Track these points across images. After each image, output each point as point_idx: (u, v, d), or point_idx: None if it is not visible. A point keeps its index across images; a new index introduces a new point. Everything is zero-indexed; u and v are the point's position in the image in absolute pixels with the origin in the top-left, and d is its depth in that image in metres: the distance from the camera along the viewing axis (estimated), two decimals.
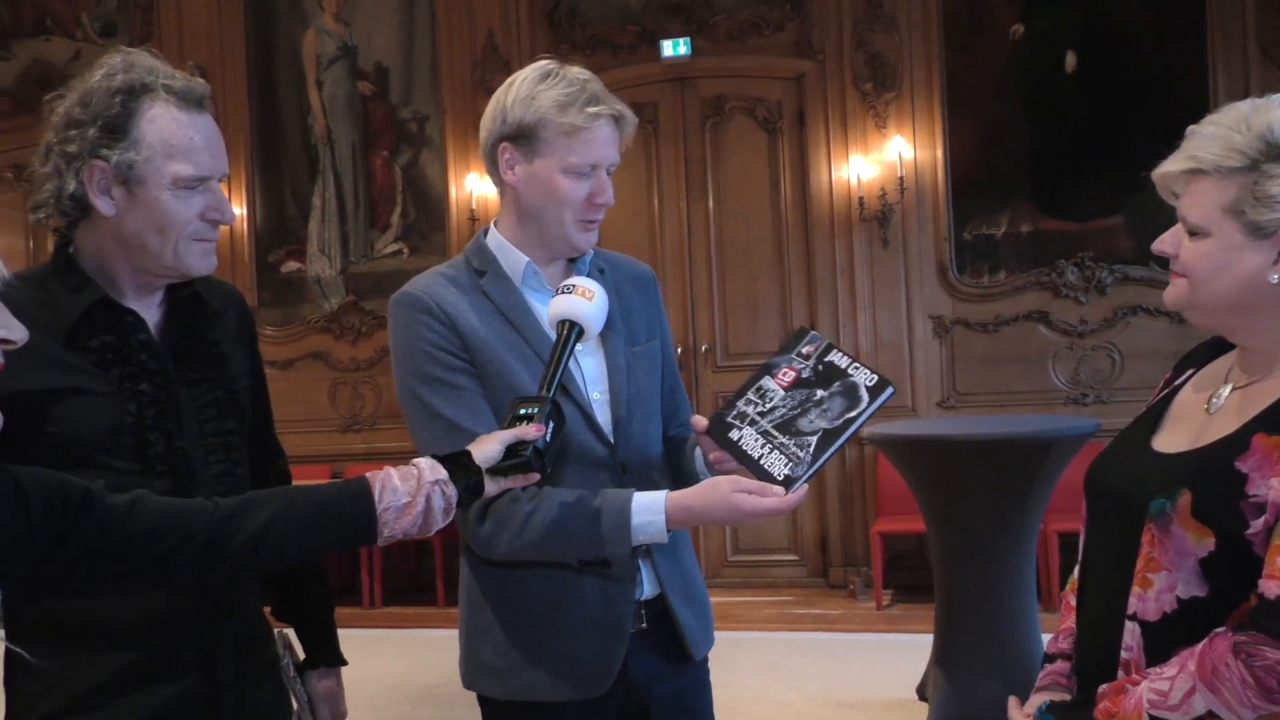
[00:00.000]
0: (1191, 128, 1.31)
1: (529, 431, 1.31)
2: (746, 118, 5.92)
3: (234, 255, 6.41)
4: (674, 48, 5.85)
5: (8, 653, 1.33)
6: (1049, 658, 1.46)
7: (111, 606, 1.28)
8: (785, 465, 1.43)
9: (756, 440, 1.47)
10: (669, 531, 1.50)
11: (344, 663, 1.67)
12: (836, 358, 1.49)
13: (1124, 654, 1.26)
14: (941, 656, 3.59)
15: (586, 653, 1.55)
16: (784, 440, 1.45)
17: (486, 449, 1.30)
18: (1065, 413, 5.33)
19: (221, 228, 1.39)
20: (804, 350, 1.52)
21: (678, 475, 1.67)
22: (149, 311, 1.38)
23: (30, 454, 1.24)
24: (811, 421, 1.44)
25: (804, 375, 1.49)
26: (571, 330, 1.44)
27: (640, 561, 1.58)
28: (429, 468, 1.26)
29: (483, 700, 1.64)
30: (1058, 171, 5.46)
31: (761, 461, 1.45)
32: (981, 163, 5.56)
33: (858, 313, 5.71)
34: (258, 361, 1.58)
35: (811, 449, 1.42)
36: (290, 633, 1.61)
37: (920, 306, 5.67)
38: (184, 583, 1.21)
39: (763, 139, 5.90)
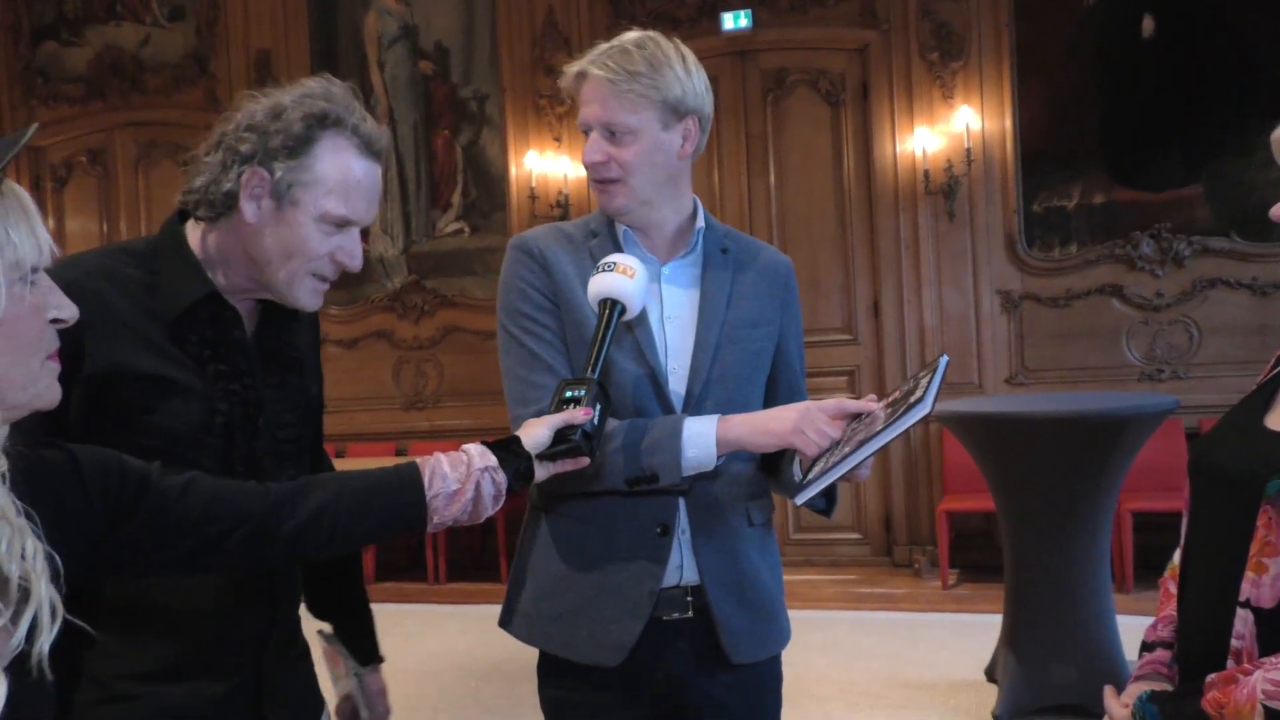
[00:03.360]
0: None
1: (577, 415, 1.30)
2: (809, 90, 5.83)
3: None
4: (734, 20, 5.77)
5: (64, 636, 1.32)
6: (1148, 646, 1.39)
7: (171, 594, 1.28)
8: (817, 470, 1.43)
9: (829, 449, 1.46)
10: (719, 453, 1.48)
11: (383, 659, 1.66)
12: (926, 378, 1.44)
13: (1235, 642, 1.19)
14: (1012, 638, 3.53)
15: (604, 621, 1.55)
16: (839, 449, 1.43)
17: (535, 434, 1.29)
18: (1139, 389, 5.19)
19: None
20: (920, 374, 1.48)
21: (775, 473, 1.63)
22: (244, 308, 1.36)
23: (129, 440, 1.21)
24: (861, 434, 1.42)
25: (898, 396, 1.46)
26: (613, 309, 1.43)
27: (678, 544, 1.56)
28: (479, 454, 1.25)
29: (539, 665, 1.65)
30: (1132, 140, 5.28)
31: (814, 465, 1.45)
32: (1052, 132, 5.41)
33: (923, 288, 5.61)
34: (321, 370, 1.57)
35: (841, 457, 1.40)
36: (329, 628, 1.61)
37: (988, 281, 5.55)
38: (235, 567, 1.20)
39: (825, 112, 5.81)
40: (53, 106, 7.07)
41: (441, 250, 6.41)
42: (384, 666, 1.66)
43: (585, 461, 1.33)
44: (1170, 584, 1.40)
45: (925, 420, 1.39)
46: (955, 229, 5.57)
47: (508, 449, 1.27)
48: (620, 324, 1.47)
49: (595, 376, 1.36)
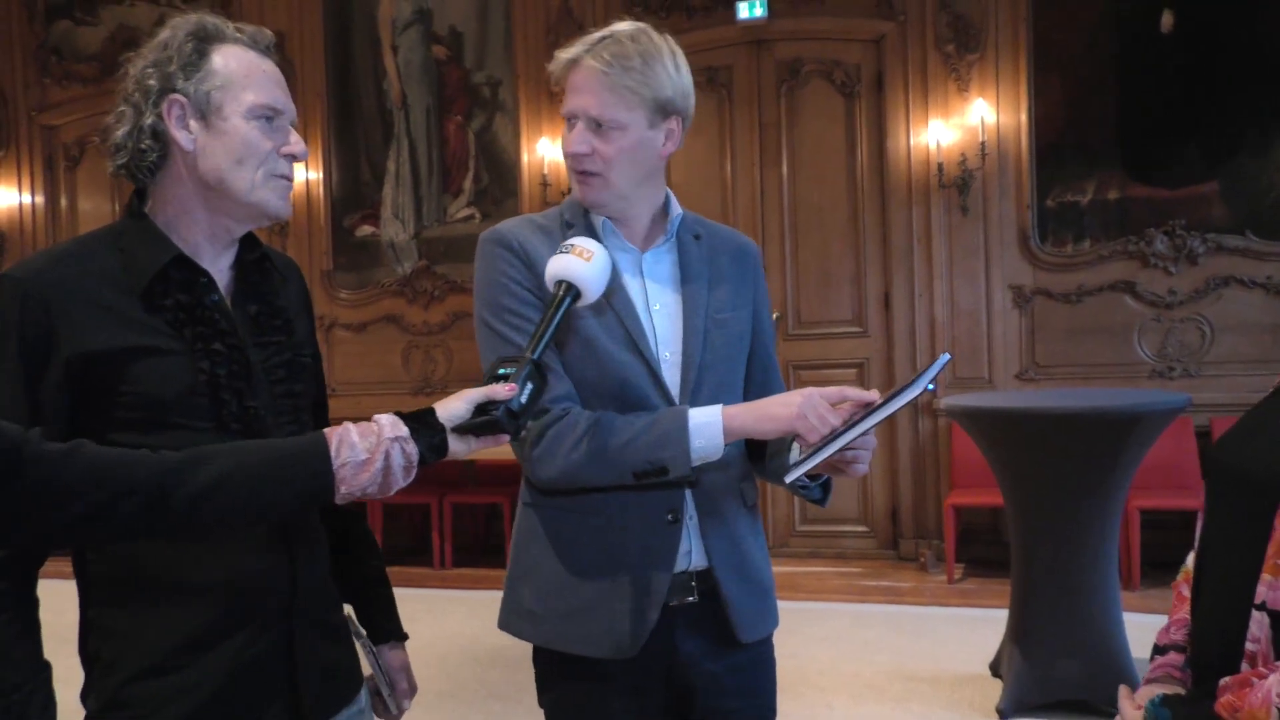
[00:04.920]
0: None
1: (499, 390, 1.26)
2: (823, 81, 5.80)
3: (310, 219, 6.50)
4: (750, 9, 5.74)
5: (84, 618, 1.34)
6: (1160, 649, 1.39)
7: (192, 562, 1.29)
8: (797, 453, 1.44)
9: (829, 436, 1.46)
10: (725, 442, 1.49)
11: (406, 636, 1.66)
12: (920, 375, 1.43)
13: (1249, 646, 1.19)
14: (1017, 634, 3.52)
15: (620, 613, 1.54)
16: (831, 436, 1.43)
17: (452, 407, 1.25)
18: (1150, 387, 5.16)
19: (297, 191, 1.38)
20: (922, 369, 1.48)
21: (759, 457, 1.64)
22: (220, 274, 1.38)
23: (107, 414, 1.26)
24: (849, 426, 1.42)
25: (897, 390, 1.47)
26: (567, 292, 1.39)
27: (686, 531, 1.56)
28: (390, 424, 1.22)
29: (536, 654, 1.65)
30: (1149, 136, 5.25)
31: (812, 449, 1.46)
32: (1068, 127, 5.38)
33: (934, 282, 5.59)
34: (315, 333, 1.57)
35: (831, 437, 1.41)
36: (349, 609, 1.60)
37: (1000, 276, 5.52)
38: (130, 534, 1.17)
39: (839, 103, 5.78)
40: (66, 86, 7.09)
41: (452, 236, 6.41)
42: None
43: (505, 439, 1.29)
44: (1184, 587, 1.39)
45: (916, 404, 1.38)
46: (968, 223, 5.54)
47: (421, 420, 1.24)
48: (574, 309, 1.45)
49: (535, 357, 1.32)
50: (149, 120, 1.32)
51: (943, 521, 5.35)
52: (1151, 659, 1.39)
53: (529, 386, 1.28)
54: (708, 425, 1.48)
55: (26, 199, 7.24)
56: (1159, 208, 5.27)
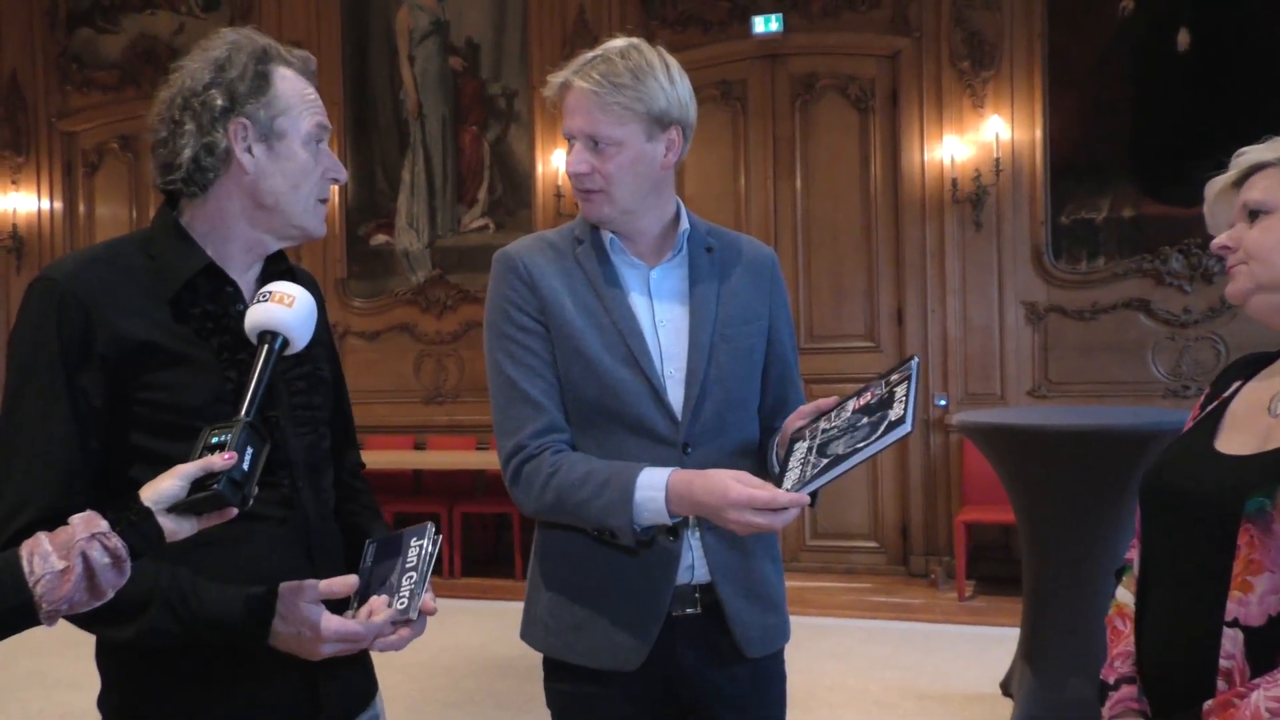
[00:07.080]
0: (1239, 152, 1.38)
1: (215, 462, 1.14)
2: (838, 96, 5.81)
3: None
4: (765, 24, 5.76)
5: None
6: (1112, 686, 1.36)
7: (211, 571, 1.29)
8: (793, 480, 1.40)
9: (800, 454, 1.44)
10: (672, 514, 1.47)
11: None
12: (901, 387, 1.41)
13: (1224, 663, 1.19)
14: (1028, 652, 3.50)
15: (622, 625, 1.56)
16: (813, 458, 1.41)
17: (161, 487, 1.13)
18: (1164, 405, 5.14)
19: None
20: (893, 377, 1.46)
21: (764, 468, 1.63)
22: (246, 286, 1.40)
23: (135, 416, 1.28)
24: (838, 445, 1.39)
25: (873, 401, 1.44)
26: (273, 343, 1.27)
27: (688, 545, 1.57)
28: (83, 522, 1.10)
29: (545, 664, 1.67)
30: (1164, 154, 5.23)
31: (786, 472, 1.43)
32: (1083, 144, 5.37)
33: (947, 297, 5.58)
34: (334, 346, 1.59)
35: (819, 469, 1.37)
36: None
37: (1013, 292, 5.51)
38: None
39: (854, 118, 5.79)
40: (86, 92, 7.15)
41: (466, 245, 6.44)
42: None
43: (233, 512, 1.17)
44: (1118, 621, 1.39)
45: (928, 420, 1.38)
46: (982, 239, 5.54)
47: (126, 508, 1.12)
48: (279, 358, 1.36)
49: (248, 418, 1.20)
50: (212, 139, 1.33)
51: (953, 538, 5.32)
52: (1103, 698, 1.36)
53: (250, 451, 1.17)
54: (650, 500, 1.47)
55: (46, 205, 7.30)
56: (1174, 225, 5.25)
